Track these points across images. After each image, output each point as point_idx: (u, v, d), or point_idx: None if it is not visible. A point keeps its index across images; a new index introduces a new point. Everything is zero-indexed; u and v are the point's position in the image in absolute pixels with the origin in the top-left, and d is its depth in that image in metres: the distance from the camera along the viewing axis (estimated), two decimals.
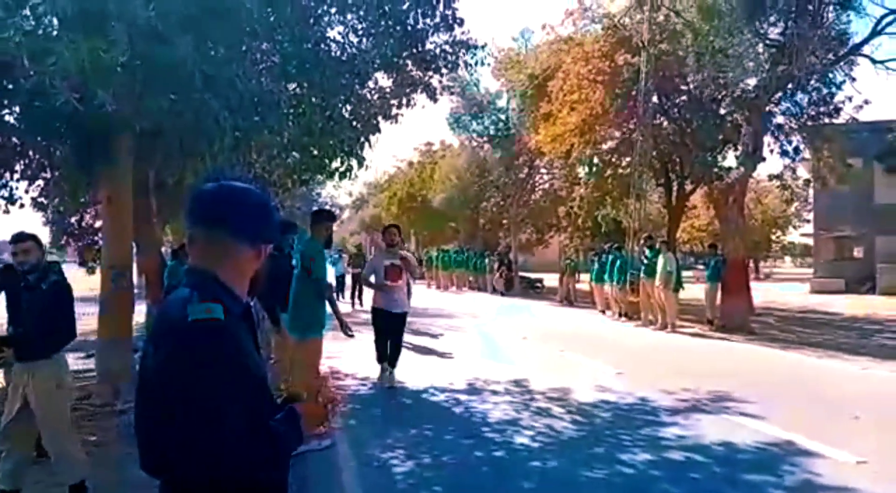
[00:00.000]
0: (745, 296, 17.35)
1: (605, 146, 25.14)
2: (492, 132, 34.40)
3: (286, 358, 7.48)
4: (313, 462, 5.84)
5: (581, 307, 22.32)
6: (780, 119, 21.35)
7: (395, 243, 9.36)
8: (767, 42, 16.38)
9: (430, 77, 9.66)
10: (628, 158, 23.34)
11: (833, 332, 15.88)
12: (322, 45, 8.72)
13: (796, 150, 22.48)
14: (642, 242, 18.54)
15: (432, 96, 9.81)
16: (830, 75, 18.99)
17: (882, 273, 27.91)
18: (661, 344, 13.87)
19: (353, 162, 9.66)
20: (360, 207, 67.12)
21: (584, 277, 23.83)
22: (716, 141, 22.01)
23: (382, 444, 6.67)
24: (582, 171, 27.23)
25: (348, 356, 11.34)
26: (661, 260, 15.68)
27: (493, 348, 13.15)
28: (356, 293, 21.93)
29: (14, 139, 8.33)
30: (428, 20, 8.97)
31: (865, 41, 16.52)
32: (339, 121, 9.05)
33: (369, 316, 9.68)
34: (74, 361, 11.31)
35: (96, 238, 17.77)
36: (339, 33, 9.14)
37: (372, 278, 9.30)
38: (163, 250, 16.77)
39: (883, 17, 15.95)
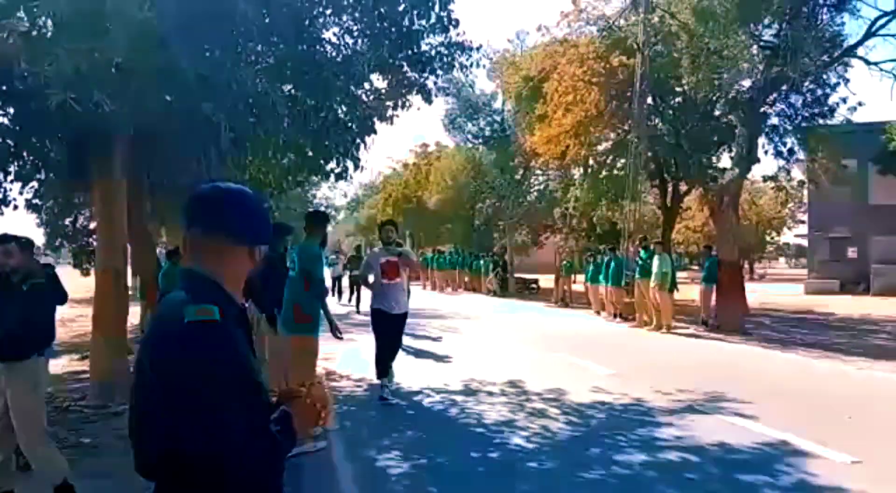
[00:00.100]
0: (739, 297, 17.40)
1: (600, 148, 25.24)
2: (487, 134, 34.50)
3: (280, 360, 7.46)
4: (308, 464, 5.83)
5: (576, 308, 22.33)
6: (774, 120, 21.43)
7: (392, 241, 8.76)
8: (762, 44, 16.45)
9: (426, 78, 9.64)
10: (623, 160, 23.40)
11: (827, 332, 15.92)
12: (317, 47, 8.71)
13: (791, 151, 22.58)
14: (637, 243, 18.57)
15: (427, 98, 9.79)
16: (825, 77, 19.07)
17: (876, 274, 27.98)
18: (655, 345, 13.89)
19: (349, 163, 9.66)
20: (355, 209, 67.16)
21: (580, 278, 23.85)
22: (710, 142, 22.13)
23: (378, 445, 6.67)
24: (577, 172, 27.33)
25: (343, 358, 11.36)
26: (655, 261, 15.70)
27: (488, 349, 13.15)
28: (354, 297, 21.71)
29: (8, 140, 8.30)
30: (423, 21, 8.95)
31: (859, 43, 16.60)
32: (334, 122, 9.04)
33: (366, 318, 9.62)
34: (69, 362, 11.40)
35: (91, 240, 17.75)
36: (335, 34, 9.14)
37: (370, 278, 8.76)
38: (158, 251, 16.74)
39: (877, 18, 16.04)
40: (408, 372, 9.88)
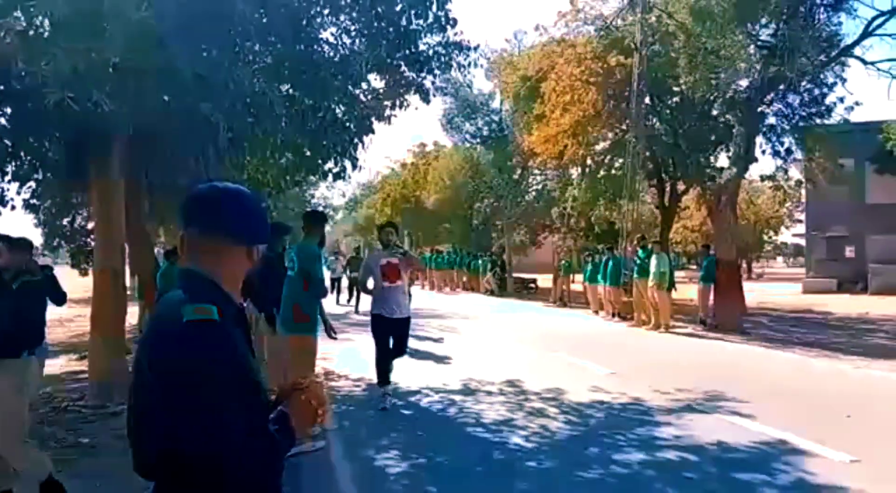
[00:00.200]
0: (737, 296, 17.43)
1: (597, 147, 25.24)
2: (485, 133, 34.48)
3: (279, 360, 7.45)
4: (307, 464, 5.83)
5: (574, 308, 22.34)
6: (771, 120, 21.46)
7: (391, 244, 8.32)
8: (759, 43, 16.46)
9: (423, 78, 9.64)
10: (621, 160, 23.41)
11: (826, 331, 15.94)
12: (315, 47, 8.71)
13: (788, 151, 22.62)
14: (635, 242, 18.58)
15: (425, 97, 9.79)
16: (822, 76, 19.09)
17: (874, 273, 28.02)
18: (654, 344, 13.90)
19: (347, 163, 9.66)
20: (353, 209, 67.12)
21: (578, 277, 23.86)
22: (708, 142, 22.15)
23: (376, 445, 6.67)
24: (575, 172, 27.34)
25: (341, 358, 11.35)
26: (654, 260, 15.71)
27: (487, 348, 13.15)
28: (354, 298, 21.60)
29: (5, 140, 8.29)
30: (421, 21, 8.96)
31: (856, 43, 16.60)
32: (332, 122, 9.04)
33: (363, 317, 9.59)
34: (67, 362, 11.39)
35: (89, 240, 17.75)
36: (332, 34, 9.14)
37: (370, 283, 8.34)
38: (156, 251, 16.73)
39: (874, 18, 16.07)
40: (406, 372, 9.86)
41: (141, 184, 10.86)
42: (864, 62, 16.98)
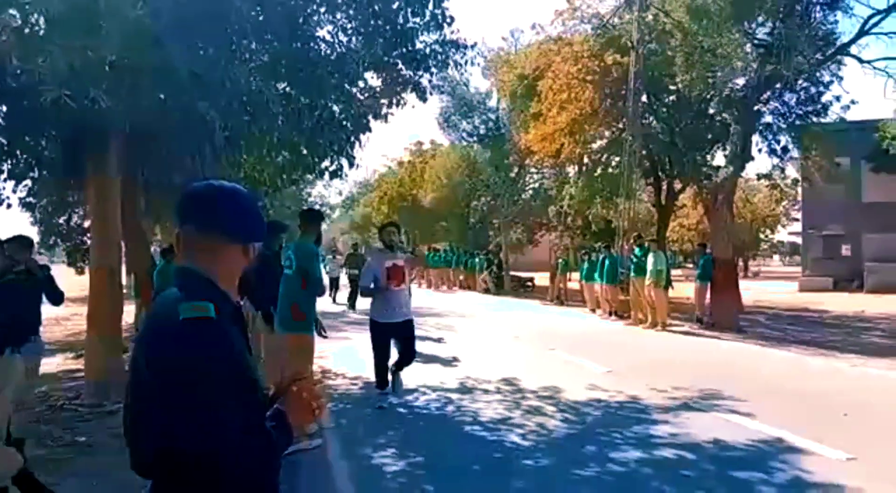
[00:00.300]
0: (734, 294, 17.45)
1: (594, 146, 25.25)
2: (482, 132, 34.44)
3: (277, 358, 7.44)
4: (304, 462, 5.83)
5: (571, 306, 22.35)
6: (768, 118, 21.54)
7: (394, 245, 7.96)
8: (755, 42, 16.46)
9: (420, 76, 9.64)
10: (618, 158, 23.43)
11: (822, 330, 15.96)
12: (311, 45, 8.70)
13: (784, 149, 22.68)
14: (632, 241, 18.59)
15: (422, 96, 9.79)
16: (818, 75, 19.12)
17: (870, 271, 28.08)
18: (651, 343, 13.91)
19: (344, 161, 9.66)
20: (350, 207, 67.05)
21: (575, 276, 23.88)
22: (705, 140, 22.19)
23: (373, 443, 6.66)
24: (572, 170, 27.35)
25: (338, 356, 11.35)
26: (650, 259, 15.73)
27: (484, 347, 13.15)
28: (349, 295, 21.54)
29: (1, 138, 8.28)
30: (418, 19, 8.96)
31: (853, 41, 16.60)
32: (329, 120, 9.03)
33: (360, 316, 9.53)
34: (63, 360, 11.37)
35: (85, 238, 17.73)
36: (329, 32, 9.13)
37: (370, 285, 7.81)
38: (152, 249, 16.72)
39: (870, 17, 16.04)
40: (404, 370, 9.85)
41: (137, 182, 10.86)
42: (861, 61, 16.98)
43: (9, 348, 4.98)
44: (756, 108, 18.10)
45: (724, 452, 6.21)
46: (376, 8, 8.66)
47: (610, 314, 18.51)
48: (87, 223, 16.14)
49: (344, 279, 23.61)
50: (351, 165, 9.73)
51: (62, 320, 16.50)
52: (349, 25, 9.05)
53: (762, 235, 52.49)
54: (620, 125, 22.71)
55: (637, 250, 16.98)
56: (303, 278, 6.72)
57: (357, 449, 6.47)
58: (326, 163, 9.89)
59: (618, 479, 5.57)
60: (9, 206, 10.50)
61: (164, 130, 8.02)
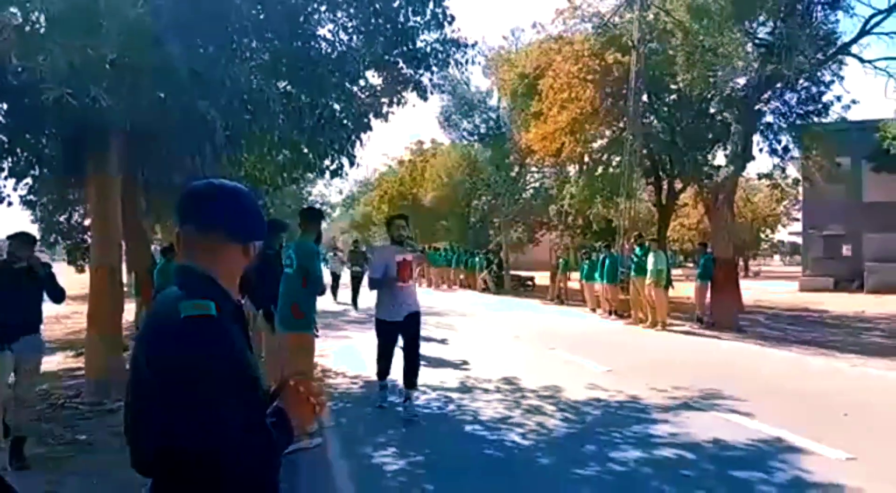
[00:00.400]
0: (734, 294, 17.45)
1: (595, 145, 25.24)
2: (482, 131, 34.42)
3: (277, 357, 7.44)
4: (304, 461, 5.83)
5: (572, 306, 22.35)
6: (769, 118, 21.52)
7: (403, 240, 7.61)
8: (756, 41, 16.46)
9: (421, 75, 9.64)
10: (618, 157, 23.42)
11: (822, 330, 15.96)
12: (312, 43, 8.70)
13: (785, 149, 22.68)
14: (632, 240, 18.59)
15: (423, 94, 9.79)
16: (819, 75, 19.10)
17: (870, 271, 28.07)
18: (651, 342, 13.91)
19: (344, 160, 9.66)
20: (350, 206, 67.07)
21: (575, 275, 23.87)
22: (705, 140, 22.18)
23: (373, 442, 6.67)
24: (572, 169, 27.33)
25: (338, 355, 11.35)
26: (651, 258, 15.73)
27: (484, 346, 13.15)
28: (355, 295, 21.19)
29: (2, 137, 8.29)
30: (418, 18, 8.96)
31: (854, 41, 16.59)
32: (329, 119, 9.03)
33: (361, 315, 9.50)
34: (64, 359, 11.37)
35: (85, 236, 17.74)
36: (330, 31, 9.13)
37: (379, 276, 7.50)
38: (152, 248, 16.73)
39: (871, 16, 16.03)
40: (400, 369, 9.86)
41: (138, 181, 10.87)
42: (862, 60, 16.97)
43: None
44: (757, 107, 18.09)
45: (723, 451, 6.21)
46: (377, 6, 8.66)
47: (610, 314, 18.51)
48: (87, 221, 16.15)
49: (345, 278, 23.56)
50: (351, 163, 9.73)
51: (62, 318, 16.50)
52: (350, 24, 9.06)
53: (763, 235, 52.49)
54: (621, 124, 22.69)
55: (637, 250, 16.98)
56: (303, 276, 6.71)
57: (357, 448, 6.47)
58: (327, 162, 9.89)
59: (618, 478, 5.57)
60: (10, 204, 10.53)
61: (165, 128, 8.02)
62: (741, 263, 41.34)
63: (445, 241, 41.07)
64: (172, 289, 1.81)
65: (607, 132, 24.84)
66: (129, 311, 12.24)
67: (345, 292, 22.86)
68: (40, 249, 18.32)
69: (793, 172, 27.04)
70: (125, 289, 10.51)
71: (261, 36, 7.99)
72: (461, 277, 33.27)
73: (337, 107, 9.20)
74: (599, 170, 26.05)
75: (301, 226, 7.18)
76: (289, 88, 8.87)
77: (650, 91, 22.30)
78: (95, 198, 9.03)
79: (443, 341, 13.51)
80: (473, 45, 9.98)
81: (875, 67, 16.73)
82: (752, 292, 25.59)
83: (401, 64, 9.44)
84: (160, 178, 11.06)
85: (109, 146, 8.45)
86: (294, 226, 8.82)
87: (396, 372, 7.79)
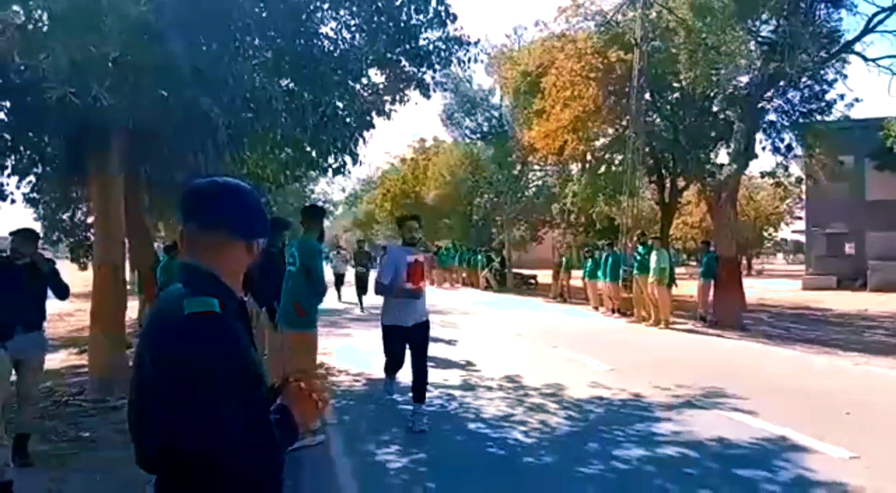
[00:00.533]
0: (737, 292, 17.43)
1: (597, 143, 25.23)
2: (485, 129, 34.44)
3: (280, 355, 7.44)
4: (307, 458, 5.83)
5: (574, 304, 22.34)
6: (772, 116, 21.46)
7: (415, 241, 7.18)
8: (760, 39, 16.44)
9: (423, 73, 9.62)
10: (621, 155, 23.39)
11: (825, 328, 15.95)
12: (315, 41, 8.69)
13: (788, 147, 22.63)
14: (635, 238, 18.59)
15: (425, 93, 9.77)
16: (822, 73, 19.07)
17: (873, 270, 28.04)
18: (654, 340, 13.90)
19: (347, 158, 9.65)
20: (353, 204, 67.14)
21: (578, 273, 23.87)
22: (708, 138, 22.15)
23: (376, 440, 6.67)
24: (575, 168, 27.32)
25: (341, 353, 11.36)
26: (654, 256, 15.71)
27: (487, 344, 13.15)
28: (358, 296, 20.61)
29: (5, 134, 8.29)
30: (421, 16, 8.95)
31: (857, 39, 16.57)
32: (332, 117, 9.02)
33: (364, 314, 9.47)
34: (67, 356, 11.40)
35: (88, 234, 17.76)
36: (332, 29, 9.12)
37: (387, 282, 6.93)
38: (155, 246, 16.74)
39: (874, 14, 16.01)
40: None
41: (140, 179, 10.86)
42: (865, 59, 16.95)
43: None
44: (760, 105, 18.05)
45: (726, 450, 6.21)
46: (380, 4, 8.65)
47: (613, 312, 18.51)
48: (90, 219, 16.17)
49: (350, 277, 23.53)
50: (354, 161, 9.73)
51: (66, 315, 16.54)
52: (352, 22, 9.05)
53: (766, 233, 52.41)
54: (624, 122, 22.68)
55: (640, 248, 16.97)
56: (306, 274, 6.71)
57: (360, 446, 6.48)
58: (330, 160, 9.88)
59: (620, 476, 5.57)
60: (13, 201, 10.51)
61: (167, 127, 8.01)
62: (744, 261, 41.30)
63: (448, 239, 41.05)
64: (176, 286, 1.82)
65: (610, 130, 24.83)
66: (133, 308, 12.27)
67: (349, 291, 22.86)
68: (43, 246, 18.38)
69: (796, 170, 27.04)
70: (128, 287, 10.51)
71: (263, 34, 7.98)
72: (464, 275, 33.27)
73: (339, 105, 9.19)
74: (602, 168, 26.04)
75: (304, 224, 7.16)
76: (291, 85, 8.86)
77: (653, 89, 22.26)
78: (98, 196, 9.04)
79: (445, 340, 13.52)
80: (476, 43, 9.96)
81: (878, 65, 16.73)
82: (756, 290, 25.55)
83: (403, 62, 9.43)
84: (163, 176, 11.05)
85: (112, 144, 8.45)
86: (297, 224, 8.81)
87: (401, 374, 7.63)
